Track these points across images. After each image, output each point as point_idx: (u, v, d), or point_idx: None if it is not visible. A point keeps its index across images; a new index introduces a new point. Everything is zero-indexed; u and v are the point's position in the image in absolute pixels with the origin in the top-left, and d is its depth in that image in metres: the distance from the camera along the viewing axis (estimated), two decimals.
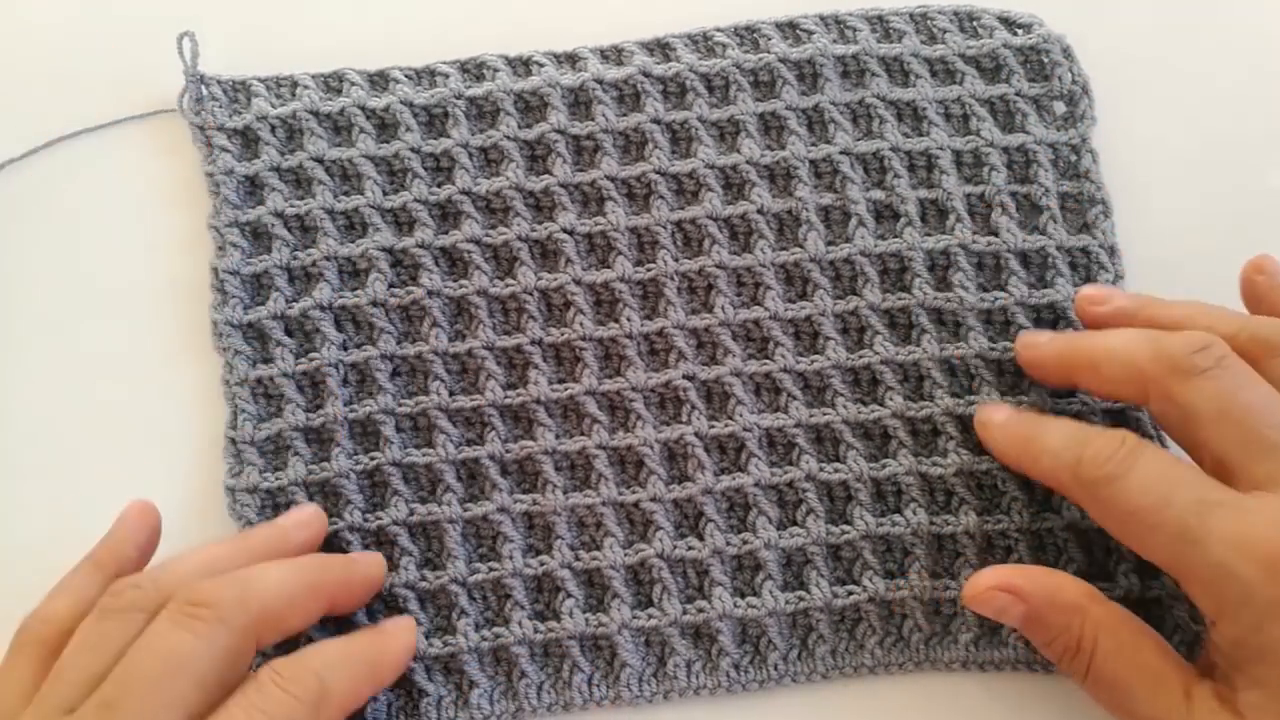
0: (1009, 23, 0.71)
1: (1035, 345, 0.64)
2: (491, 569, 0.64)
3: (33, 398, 0.68)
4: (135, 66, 0.73)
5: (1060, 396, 0.65)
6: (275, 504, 0.65)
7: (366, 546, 0.64)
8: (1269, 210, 0.71)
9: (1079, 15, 0.72)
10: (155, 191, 0.71)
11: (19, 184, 0.71)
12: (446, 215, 0.68)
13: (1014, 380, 0.66)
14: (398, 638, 0.61)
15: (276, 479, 0.64)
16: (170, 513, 0.64)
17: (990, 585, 0.58)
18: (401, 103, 0.69)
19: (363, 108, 0.69)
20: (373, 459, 0.64)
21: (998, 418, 0.63)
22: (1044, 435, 0.59)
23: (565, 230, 0.67)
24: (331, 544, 0.64)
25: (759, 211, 0.67)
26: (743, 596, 0.64)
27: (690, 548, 0.64)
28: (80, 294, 0.70)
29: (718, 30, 0.71)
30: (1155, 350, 0.57)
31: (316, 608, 0.58)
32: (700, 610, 0.63)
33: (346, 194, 0.68)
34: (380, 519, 0.64)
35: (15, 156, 0.71)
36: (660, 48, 0.71)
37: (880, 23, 0.71)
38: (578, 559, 0.64)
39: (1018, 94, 0.70)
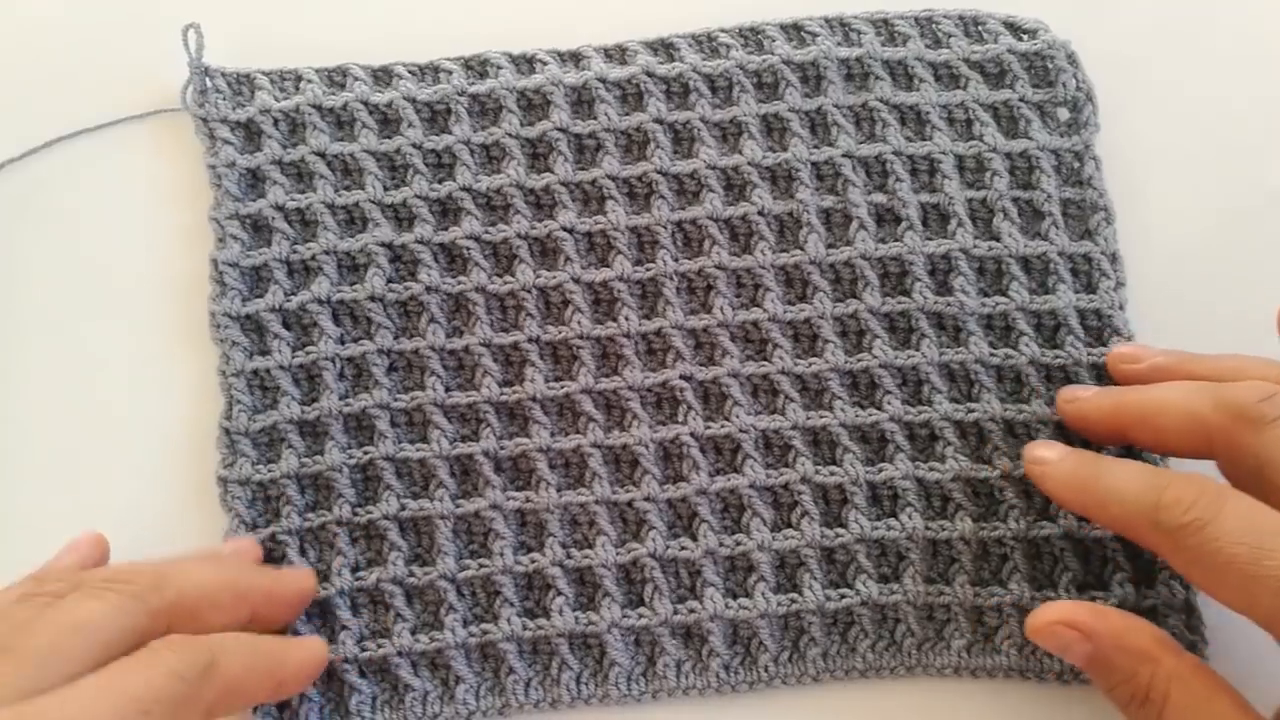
0: (1014, 28, 0.71)
1: (1081, 400, 0.62)
2: (482, 565, 0.63)
3: (32, 389, 0.68)
4: (138, 64, 0.73)
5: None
6: (267, 496, 0.65)
7: (355, 541, 0.64)
8: (1269, 213, 0.71)
9: (1083, 20, 0.72)
10: (157, 187, 0.71)
11: (20, 182, 0.71)
12: (447, 211, 0.68)
13: (1013, 387, 0.65)
14: (307, 648, 0.60)
15: (269, 471, 0.64)
16: (165, 503, 0.65)
17: (1056, 619, 0.56)
18: (404, 98, 0.69)
19: (365, 103, 0.69)
20: (366, 453, 0.64)
21: (1051, 456, 0.60)
22: (1111, 478, 0.56)
23: (565, 228, 0.67)
24: (320, 537, 0.64)
25: (760, 213, 0.67)
26: (734, 598, 0.63)
27: (683, 548, 0.63)
28: (81, 287, 0.70)
29: (722, 31, 0.71)
30: (1217, 401, 0.55)
31: (236, 610, 0.57)
32: (691, 610, 0.63)
33: (347, 189, 0.68)
34: (370, 513, 0.64)
35: (15, 156, 0.71)
36: (664, 48, 0.71)
37: (885, 26, 0.71)
38: (569, 557, 0.64)
39: (1021, 99, 0.69)
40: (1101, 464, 0.58)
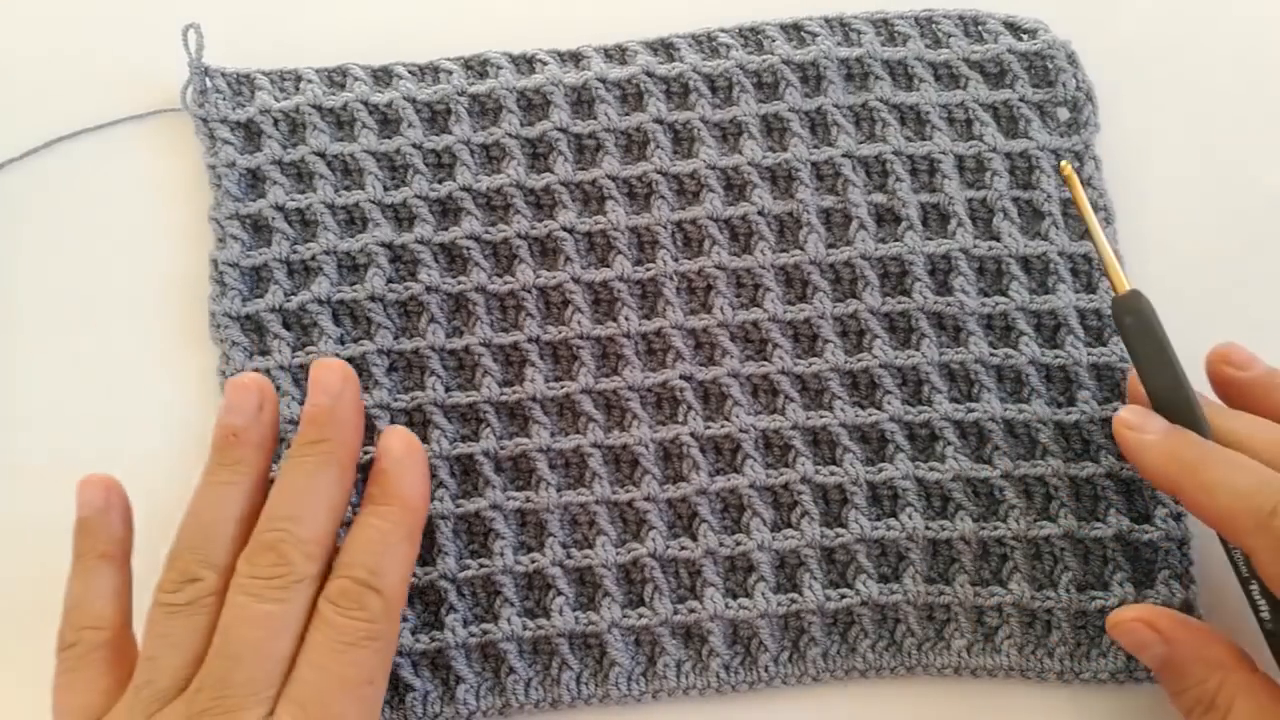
0: (1014, 28, 0.71)
1: (1144, 433, 0.58)
2: (482, 565, 0.63)
3: (31, 390, 0.68)
4: (138, 63, 0.73)
5: (1060, 405, 0.65)
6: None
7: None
8: (1269, 213, 0.71)
9: (1080, 20, 0.72)
10: (157, 187, 0.71)
11: (21, 181, 0.71)
12: (447, 211, 0.68)
13: (1013, 387, 0.65)
14: (412, 484, 0.61)
15: (271, 474, 0.64)
16: (167, 502, 0.64)
17: (1137, 617, 0.57)
18: (404, 99, 0.69)
19: (365, 103, 0.69)
20: (366, 454, 0.64)
21: (1154, 427, 0.58)
22: (1226, 468, 0.55)
23: (565, 228, 0.67)
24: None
25: (759, 213, 0.67)
26: (735, 598, 0.63)
27: (683, 548, 0.63)
28: (80, 287, 0.70)
29: (722, 31, 0.71)
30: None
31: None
32: (691, 610, 0.63)
33: (348, 189, 0.68)
34: None
35: (15, 156, 0.71)
36: (664, 48, 0.71)
37: (885, 26, 0.71)
38: (569, 557, 0.64)
39: (1021, 99, 0.69)
40: (1210, 451, 0.56)
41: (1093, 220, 0.62)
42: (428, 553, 0.64)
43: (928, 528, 0.63)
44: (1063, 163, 0.64)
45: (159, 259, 0.70)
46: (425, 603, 0.64)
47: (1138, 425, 0.58)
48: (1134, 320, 0.60)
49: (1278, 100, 0.72)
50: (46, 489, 0.65)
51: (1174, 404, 0.59)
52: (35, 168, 0.72)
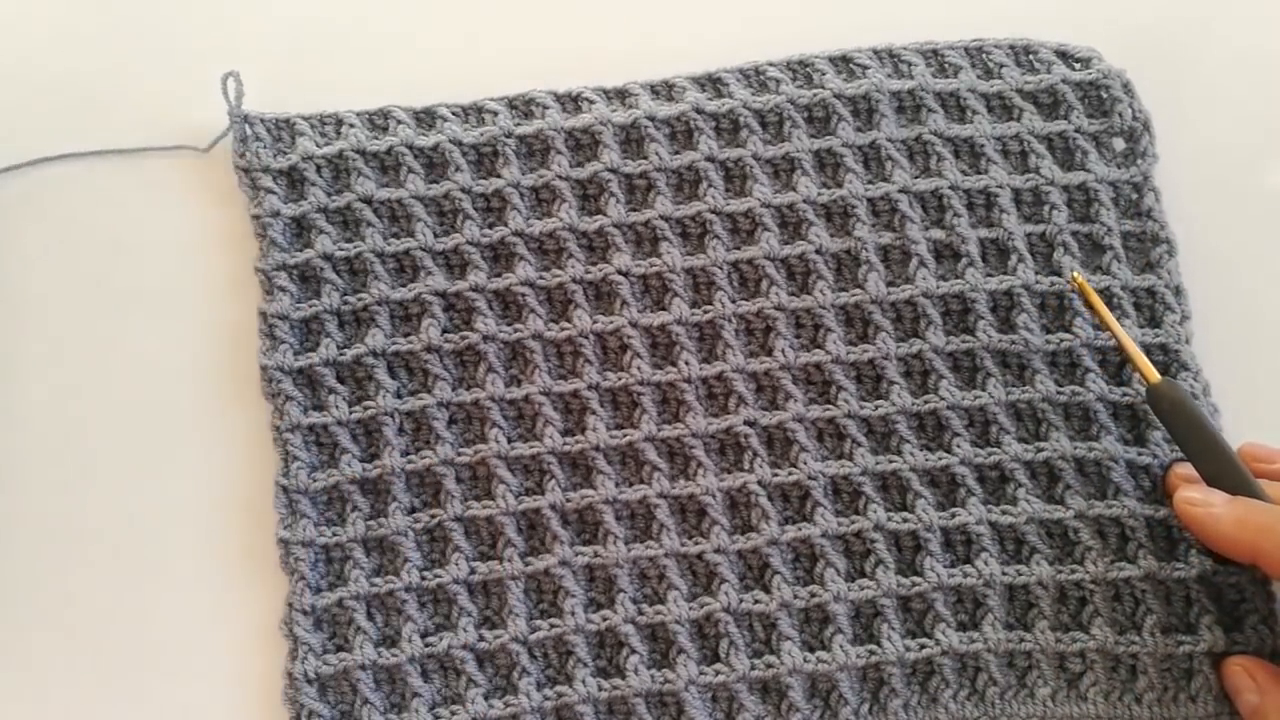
0: (1066, 57, 0.70)
1: (1210, 508, 0.59)
2: (553, 625, 0.62)
3: (76, 450, 0.66)
4: (162, 97, 0.71)
5: (1129, 443, 0.64)
6: (329, 559, 0.63)
7: (423, 605, 0.63)
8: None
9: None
10: (192, 235, 0.70)
11: (36, 214, 0.70)
12: (499, 257, 0.66)
13: (1081, 425, 0.64)
14: None
15: (334, 535, 0.63)
16: (218, 565, 0.63)
17: (1242, 663, 0.59)
18: (451, 141, 0.67)
19: (411, 146, 0.68)
20: (433, 516, 0.63)
21: (1216, 500, 0.59)
22: None
23: (620, 272, 0.66)
24: (386, 602, 0.62)
25: (817, 251, 0.66)
26: (812, 650, 0.62)
27: (756, 601, 0.62)
28: (116, 336, 0.68)
29: (770, 64, 0.70)
30: None
31: None
32: (769, 665, 0.61)
33: (396, 235, 0.67)
34: (440, 577, 0.62)
35: (15, 164, 0.70)
36: (711, 83, 0.70)
37: (935, 57, 0.70)
38: (641, 613, 0.62)
39: (1077, 130, 0.69)
40: (1274, 512, 0.58)
41: (1113, 323, 0.63)
42: (497, 614, 0.62)
43: (1004, 573, 0.62)
44: (1073, 273, 0.64)
45: (197, 307, 0.69)
46: (497, 666, 0.62)
47: (1201, 501, 0.59)
48: (1171, 408, 0.61)
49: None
50: (98, 546, 0.64)
51: (1227, 476, 0.59)
52: (53, 202, 0.70)
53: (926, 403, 0.64)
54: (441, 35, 0.73)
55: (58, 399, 0.67)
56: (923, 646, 0.62)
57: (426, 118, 0.69)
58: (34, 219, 0.69)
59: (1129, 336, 0.63)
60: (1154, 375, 0.62)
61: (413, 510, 0.63)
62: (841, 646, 0.62)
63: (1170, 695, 0.61)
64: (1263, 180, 0.71)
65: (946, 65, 0.70)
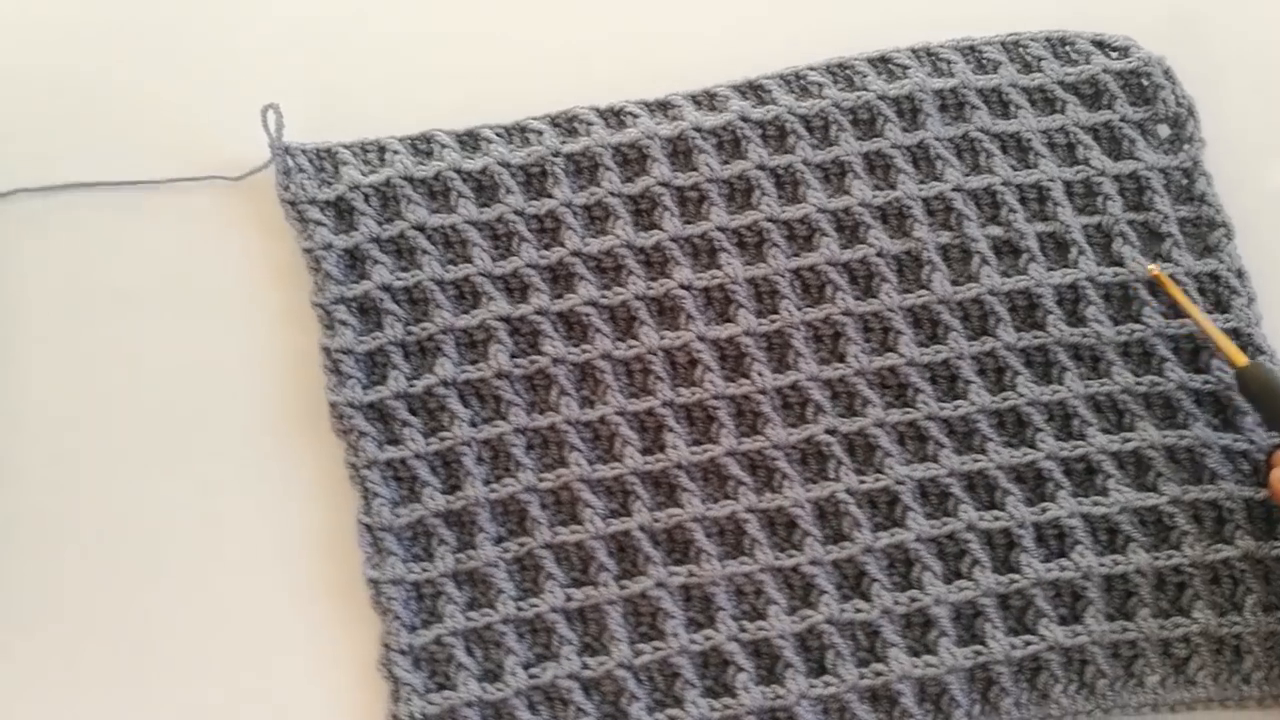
0: (1103, 46, 0.71)
1: None
2: (657, 648, 0.61)
3: (138, 498, 0.64)
4: (192, 125, 0.70)
5: (1216, 428, 0.64)
6: (420, 595, 0.61)
7: (522, 636, 0.61)
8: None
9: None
10: (230, 268, 0.68)
11: (75, 254, 0.68)
12: (557, 278, 0.65)
13: (1164, 413, 0.64)
14: None
15: (423, 570, 0.61)
16: (304, 609, 0.62)
17: None
18: (499, 163, 0.66)
19: (459, 170, 0.66)
20: (522, 544, 0.61)
21: None
22: None
23: (683, 286, 0.65)
24: (485, 637, 0.61)
25: (879, 254, 0.66)
26: (917, 655, 0.61)
27: (858, 610, 0.61)
28: (159, 371, 0.66)
29: (810, 69, 0.69)
30: None
31: None
32: (878, 673, 0.60)
33: (452, 262, 0.65)
34: (537, 606, 0.61)
35: (46, 185, 0.67)
36: (753, 90, 0.69)
37: (973, 53, 0.70)
38: (743, 630, 0.61)
39: (1122, 119, 0.69)
40: None
41: (1195, 311, 0.64)
42: (597, 640, 0.61)
43: (1101, 563, 0.62)
44: (1150, 266, 0.64)
45: (231, 346, 0.67)
46: (603, 693, 0.60)
47: None
48: (1261, 389, 0.62)
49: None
50: (174, 600, 0.62)
51: None
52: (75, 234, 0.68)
53: (1005, 399, 0.64)
54: (472, 55, 0.72)
55: (111, 445, 0.65)
56: (1028, 643, 0.61)
57: (470, 140, 0.68)
58: (59, 246, 0.68)
59: (1211, 322, 0.63)
60: (1241, 358, 0.62)
61: (499, 540, 0.62)
62: (947, 649, 0.61)
63: (1278, 672, 0.61)
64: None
65: (985, 61, 0.70)
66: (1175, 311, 0.65)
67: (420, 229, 0.65)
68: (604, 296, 0.65)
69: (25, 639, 0.62)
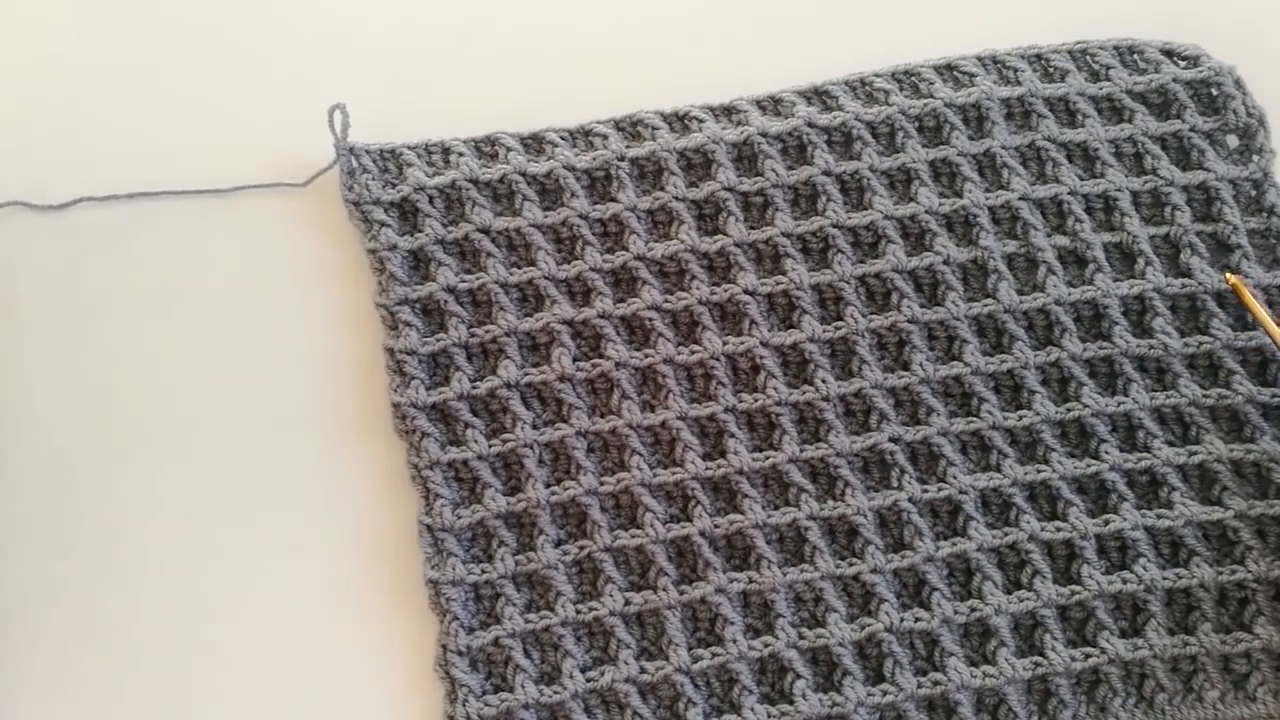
0: (1172, 55, 0.70)
1: None
2: (715, 654, 0.61)
3: (202, 496, 0.65)
4: (257, 133, 0.71)
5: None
6: (479, 596, 0.62)
7: (579, 639, 0.61)
8: None
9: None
10: (295, 271, 0.68)
11: (139, 257, 0.68)
12: (620, 282, 0.65)
13: (1230, 426, 0.64)
14: None
15: (483, 572, 0.61)
16: (362, 608, 0.62)
17: None
18: (565, 167, 0.66)
19: (524, 174, 0.66)
20: (582, 548, 0.61)
21: None
22: None
23: (747, 291, 0.65)
24: (542, 640, 0.61)
25: (945, 263, 0.65)
26: (975, 665, 0.61)
27: (918, 619, 0.61)
28: (229, 374, 0.67)
29: (876, 75, 0.69)
30: None
31: None
32: (936, 683, 0.60)
33: (516, 265, 0.65)
34: (596, 609, 0.61)
35: (115, 194, 0.68)
36: (818, 95, 0.69)
37: (1040, 61, 0.70)
38: (803, 637, 0.61)
39: (1192, 129, 0.68)
40: None
41: (1271, 324, 0.63)
42: (655, 645, 0.61)
43: (1164, 577, 0.61)
44: (1228, 274, 0.64)
45: (293, 349, 0.67)
46: (659, 699, 0.61)
47: None
48: None
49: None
50: (233, 595, 0.63)
51: None
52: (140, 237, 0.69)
53: (1070, 410, 0.64)
54: (538, 57, 0.73)
55: (180, 445, 0.65)
56: (1088, 655, 0.61)
57: (534, 143, 0.68)
58: (122, 254, 0.69)
59: None
60: None
61: (559, 542, 0.62)
62: (1006, 659, 0.61)
63: None
64: None
65: (1052, 69, 0.69)
66: (1244, 323, 0.65)
67: (485, 231, 0.65)
68: (667, 301, 0.65)
69: (103, 638, 0.63)
